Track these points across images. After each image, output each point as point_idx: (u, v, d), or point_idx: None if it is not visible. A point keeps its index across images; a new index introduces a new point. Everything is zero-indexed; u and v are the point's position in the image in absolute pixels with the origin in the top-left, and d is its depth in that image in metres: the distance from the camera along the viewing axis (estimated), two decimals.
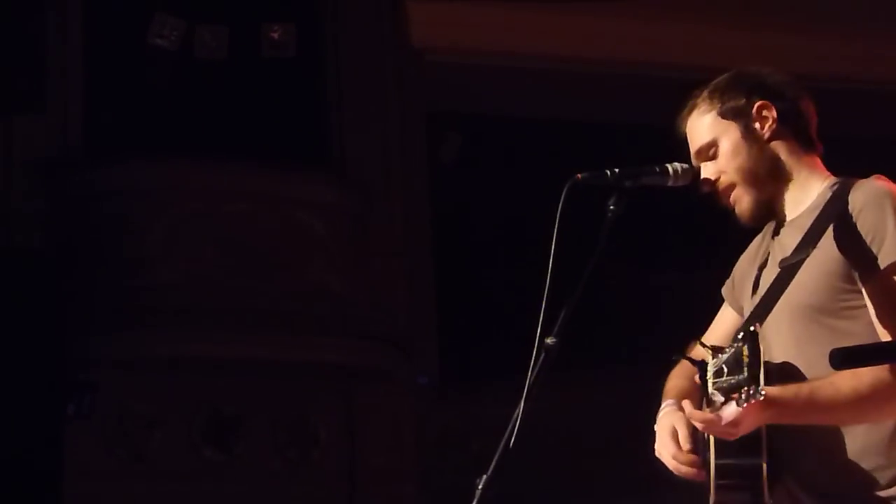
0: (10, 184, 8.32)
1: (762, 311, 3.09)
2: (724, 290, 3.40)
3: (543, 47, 9.65)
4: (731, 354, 2.92)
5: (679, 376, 3.26)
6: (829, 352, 2.92)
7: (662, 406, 3.22)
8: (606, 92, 9.82)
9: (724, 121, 3.15)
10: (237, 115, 8.84)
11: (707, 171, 3.17)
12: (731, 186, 3.14)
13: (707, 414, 2.93)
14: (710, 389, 2.98)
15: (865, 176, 3.12)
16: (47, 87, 8.34)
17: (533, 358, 2.96)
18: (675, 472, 3.11)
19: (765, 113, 3.15)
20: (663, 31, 9.57)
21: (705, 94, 3.20)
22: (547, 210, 3.11)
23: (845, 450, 3.02)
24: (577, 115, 9.98)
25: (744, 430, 2.90)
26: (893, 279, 2.97)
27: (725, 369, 2.92)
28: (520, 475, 3.57)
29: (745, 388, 2.81)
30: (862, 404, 2.94)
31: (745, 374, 2.84)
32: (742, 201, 3.15)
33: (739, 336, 2.92)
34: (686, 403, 3.01)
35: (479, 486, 2.91)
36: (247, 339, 8.33)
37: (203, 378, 8.38)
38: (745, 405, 2.79)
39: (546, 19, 9.61)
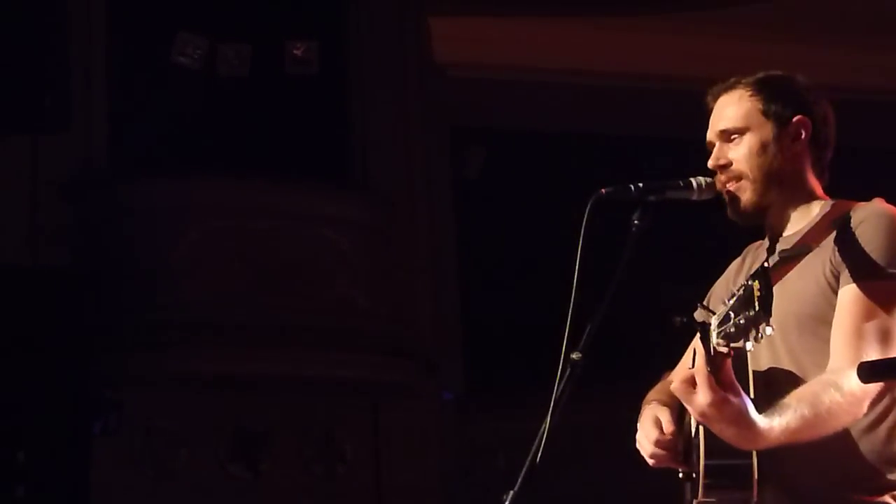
0: (36, 202, 8.35)
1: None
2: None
3: (566, 61, 9.65)
4: (738, 297, 2.75)
5: (659, 391, 3.27)
6: (825, 362, 2.94)
7: (644, 408, 3.23)
8: (630, 105, 9.82)
9: (762, 117, 3.19)
10: (261, 132, 8.86)
11: (721, 151, 3.20)
12: (739, 177, 3.17)
13: (704, 367, 2.80)
14: (715, 340, 2.80)
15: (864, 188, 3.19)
16: (72, 105, 8.35)
17: (559, 373, 2.95)
18: (652, 461, 3.12)
19: (801, 129, 3.20)
20: (686, 44, 9.57)
21: (752, 82, 3.23)
22: (571, 224, 3.12)
23: (835, 454, 3.00)
24: (600, 128, 9.99)
25: (717, 407, 2.79)
26: (862, 294, 3.00)
27: (732, 314, 2.76)
28: (545, 490, 3.56)
29: (760, 324, 2.64)
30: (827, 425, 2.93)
31: (757, 308, 2.65)
32: (744, 195, 3.17)
33: (747, 278, 2.78)
34: (698, 352, 2.87)
35: (506, 502, 2.90)
36: (272, 355, 8.33)
37: (229, 395, 8.39)
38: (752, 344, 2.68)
39: (568, 33, 9.62)
